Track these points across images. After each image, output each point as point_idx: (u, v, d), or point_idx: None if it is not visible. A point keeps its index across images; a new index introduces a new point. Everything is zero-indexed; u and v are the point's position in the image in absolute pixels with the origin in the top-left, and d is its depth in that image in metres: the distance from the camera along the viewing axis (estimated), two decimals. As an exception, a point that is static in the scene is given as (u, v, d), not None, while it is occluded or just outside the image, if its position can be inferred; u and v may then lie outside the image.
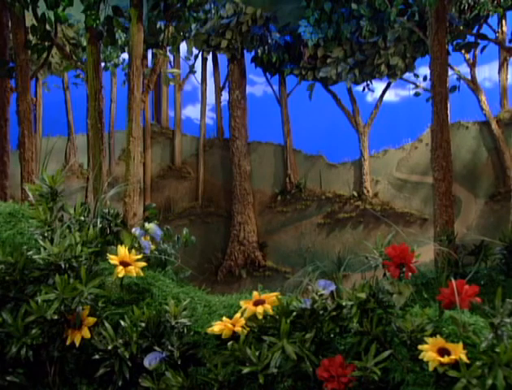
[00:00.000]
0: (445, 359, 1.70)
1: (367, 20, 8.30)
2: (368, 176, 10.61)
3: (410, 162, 10.60)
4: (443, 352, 1.72)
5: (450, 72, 8.69)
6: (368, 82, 10.07)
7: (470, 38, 8.66)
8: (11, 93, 6.16)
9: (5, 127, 6.12)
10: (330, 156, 10.99)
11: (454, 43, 8.65)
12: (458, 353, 1.71)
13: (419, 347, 1.76)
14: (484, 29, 8.81)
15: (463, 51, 9.37)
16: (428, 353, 1.72)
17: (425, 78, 9.92)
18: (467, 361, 1.68)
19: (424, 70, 9.71)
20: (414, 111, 10.69)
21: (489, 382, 1.63)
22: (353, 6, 8.24)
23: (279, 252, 10.79)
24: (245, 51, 10.60)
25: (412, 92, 10.49)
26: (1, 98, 6.08)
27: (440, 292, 1.89)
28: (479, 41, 8.85)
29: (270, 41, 10.06)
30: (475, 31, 8.58)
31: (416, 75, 10.17)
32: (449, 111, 6.33)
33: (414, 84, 10.41)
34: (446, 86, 6.28)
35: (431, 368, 1.72)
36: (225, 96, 11.25)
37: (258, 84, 11.71)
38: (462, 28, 8.25)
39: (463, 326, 1.80)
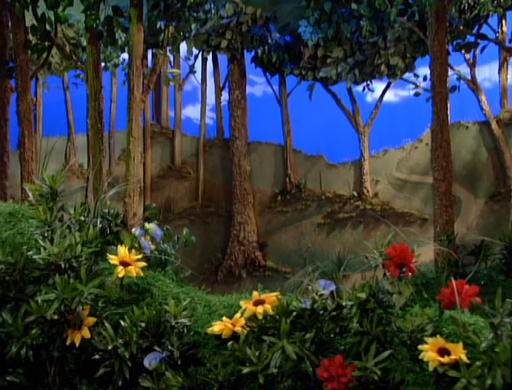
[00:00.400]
0: (445, 359, 1.70)
1: (367, 20, 8.30)
2: (368, 176, 10.61)
3: (410, 162, 10.60)
4: (443, 352, 1.73)
5: (450, 72, 8.69)
6: (368, 82, 10.07)
7: (470, 38, 8.66)
8: (11, 93, 6.16)
9: (5, 127, 6.12)
10: (330, 156, 10.99)
11: (454, 43, 8.64)
12: (458, 353, 1.71)
13: (419, 347, 1.76)
14: (484, 29, 8.82)
15: (463, 51, 9.37)
16: (428, 353, 1.73)
17: (425, 78, 9.92)
18: (467, 361, 1.68)
19: (424, 70, 9.71)
20: (414, 111, 10.69)
21: (488, 382, 1.63)
22: (353, 6, 8.24)
23: (279, 252, 10.79)
24: (245, 51, 10.60)
25: (412, 92, 10.49)
26: (1, 98, 6.08)
27: (440, 292, 1.90)
28: (479, 41, 8.84)
29: (270, 41, 10.06)
30: (475, 31, 8.58)
31: (416, 75, 10.16)
32: (449, 111, 6.33)
33: (414, 84, 10.40)
34: (446, 86, 6.27)
35: (431, 368, 1.72)
36: (225, 96, 11.25)
37: (258, 84, 11.71)
38: (462, 28, 8.25)
39: (463, 326, 1.80)
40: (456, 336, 1.82)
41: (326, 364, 1.80)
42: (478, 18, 8.23)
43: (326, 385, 1.79)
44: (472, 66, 9.94)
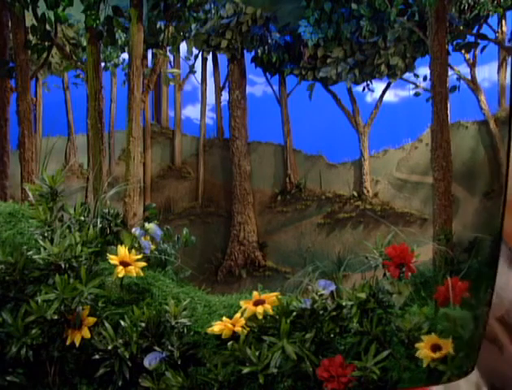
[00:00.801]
0: (436, 355, 1.75)
1: (367, 20, 8.29)
2: (368, 176, 10.60)
3: (410, 162, 10.58)
4: (435, 348, 1.77)
5: (450, 72, 8.69)
6: (368, 82, 10.07)
7: (470, 38, 8.66)
8: (11, 93, 6.16)
9: (5, 127, 6.11)
10: (330, 156, 10.98)
11: (454, 43, 8.64)
12: (448, 347, 1.75)
13: (416, 345, 1.78)
14: (484, 29, 8.81)
15: (463, 51, 9.37)
16: (423, 350, 1.76)
17: (425, 78, 9.91)
18: (454, 355, 1.73)
19: (424, 70, 9.71)
20: (414, 111, 10.68)
21: (464, 369, 1.69)
22: (353, 6, 8.23)
23: (279, 252, 10.78)
24: (245, 51, 10.60)
25: (412, 92, 10.48)
26: (1, 98, 6.08)
27: (437, 290, 1.92)
28: (479, 41, 8.84)
29: (270, 41, 10.05)
30: (475, 31, 8.58)
31: (416, 75, 10.15)
32: (449, 111, 6.33)
33: (414, 84, 10.40)
34: (446, 86, 6.27)
35: (424, 365, 1.75)
36: (225, 96, 11.23)
37: (258, 84, 11.69)
38: (462, 28, 8.25)
39: (454, 321, 1.84)
40: (448, 332, 1.86)
41: (326, 364, 1.81)
42: (478, 18, 8.22)
43: (326, 385, 1.79)
44: (472, 66, 9.94)
